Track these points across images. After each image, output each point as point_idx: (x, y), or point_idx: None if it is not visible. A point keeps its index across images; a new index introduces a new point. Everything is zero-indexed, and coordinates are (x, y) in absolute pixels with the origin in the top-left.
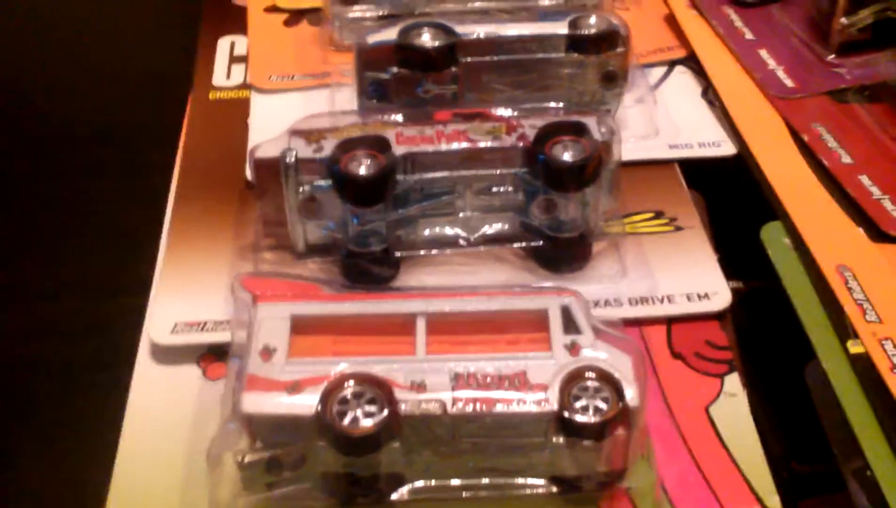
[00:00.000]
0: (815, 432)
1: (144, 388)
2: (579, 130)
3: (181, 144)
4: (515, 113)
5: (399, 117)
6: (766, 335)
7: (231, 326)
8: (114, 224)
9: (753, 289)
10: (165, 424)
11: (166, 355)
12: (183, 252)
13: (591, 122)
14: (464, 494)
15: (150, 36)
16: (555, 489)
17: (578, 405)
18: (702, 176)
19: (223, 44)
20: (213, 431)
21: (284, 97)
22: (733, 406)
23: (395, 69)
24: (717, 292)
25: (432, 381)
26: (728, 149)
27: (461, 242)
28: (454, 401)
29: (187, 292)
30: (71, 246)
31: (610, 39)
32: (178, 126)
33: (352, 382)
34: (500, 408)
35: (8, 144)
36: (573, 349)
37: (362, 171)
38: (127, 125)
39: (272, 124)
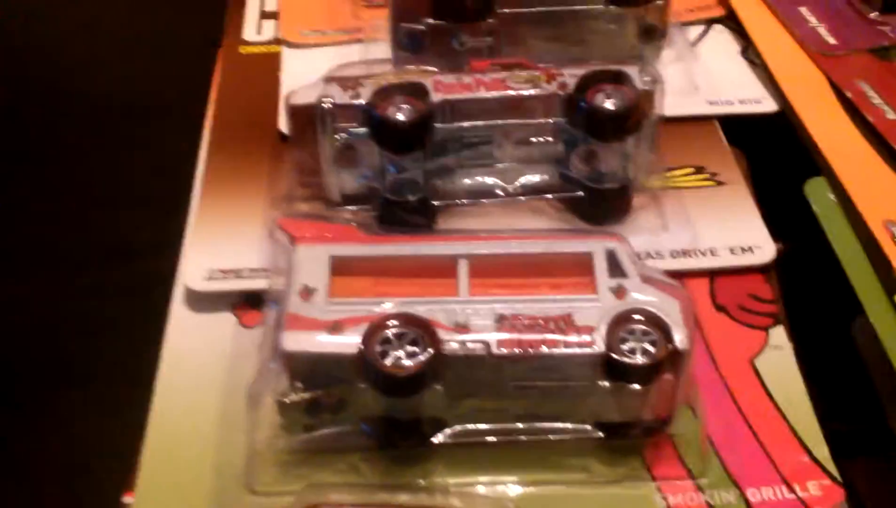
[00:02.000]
0: (854, 391)
1: (179, 336)
2: (621, 79)
3: (212, 98)
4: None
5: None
6: (810, 294)
7: (268, 272)
8: (146, 186)
9: (795, 248)
10: (201, 370)
11: (201, 302)
12: (216, 202)
13: (633, 71)
14: (506, 438)
15: None
16: (599, 434)
17: (626, 347)
18: (743, 133)
19: None
20: (250, 377)
21: (316, 52)
22: (779, 359)
23: (429, 20)
24: (761, 246)
25: (476, 322)
26: (769, 106)
27: (499, 192)
28: (498, 343)
29: (221, 241)
30: (104, 211)
31: None
32: (207, 84)
33: (394, 322)
34: (545, 350)
35: (40, 113)
36: (619, 292)
37: (401, 117)
38: (156, 86)
39: (305, 78)
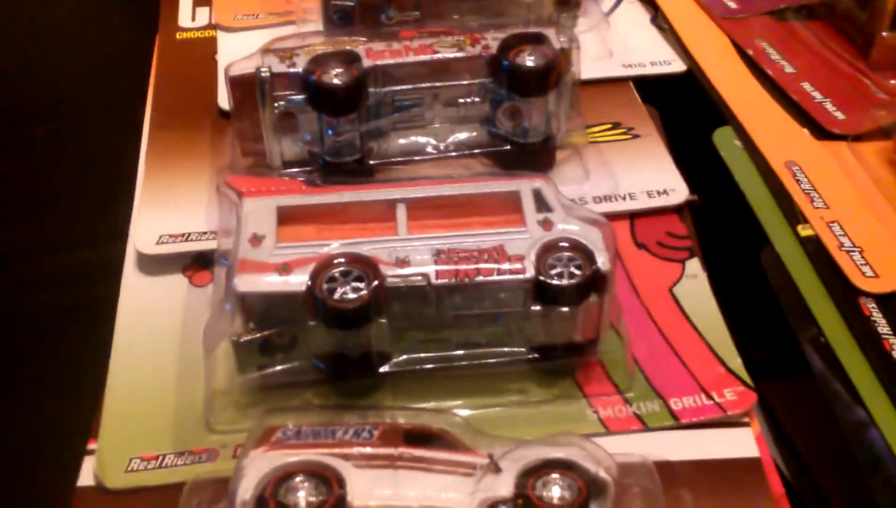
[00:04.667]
0: (767, 319)
1: (134, 298)
2: (540, 40)
3: (152, 82)
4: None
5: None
6: (722, 231)
7: (217, 231)
8: (90, 174)
9: (708, 193)
10: (156, 327)
11: (153, 265)
12: (162, 174)
13: (550, 32)
14: (447, 365)
15: None
16: (534, 356)
17: (554, 272)
18: (655, 92)
19: None
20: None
21: (250, 35)
22: (695, 286)
23: None
24: (675, 189)
25: (416, 257)
26: (678, 66)
27: (431, 150)
28: (437, 274)
29: (169, 208)
30: (48, 200)
31: None
32: (146, 72)
33: (339, 260)
34: (480, 278)
35: None
36: (546, 224)
37: (336, 80)
38: (93, 77)
39: None
